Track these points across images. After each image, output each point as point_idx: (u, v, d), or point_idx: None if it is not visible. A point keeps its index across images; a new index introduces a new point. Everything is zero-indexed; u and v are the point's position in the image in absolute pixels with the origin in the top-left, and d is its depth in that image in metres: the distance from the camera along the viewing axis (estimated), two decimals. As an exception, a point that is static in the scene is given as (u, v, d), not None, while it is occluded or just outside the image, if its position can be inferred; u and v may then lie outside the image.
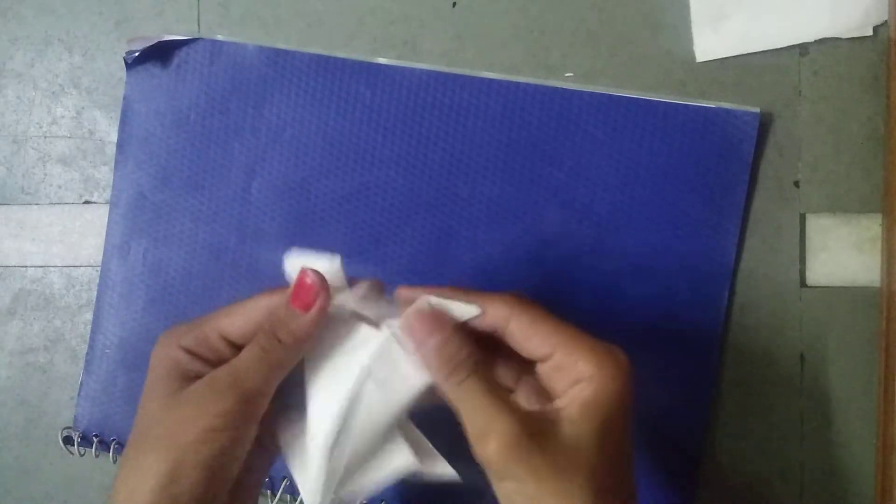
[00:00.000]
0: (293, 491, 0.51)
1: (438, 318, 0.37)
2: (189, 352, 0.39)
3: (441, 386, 0.37)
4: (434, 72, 0.51)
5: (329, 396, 0.37)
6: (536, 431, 0.34)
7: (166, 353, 0.39)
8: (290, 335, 0.37)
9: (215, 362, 0.39)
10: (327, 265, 0.37)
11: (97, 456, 0.52)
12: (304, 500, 0.38)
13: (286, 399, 0.40)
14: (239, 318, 0.39)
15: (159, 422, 0.37)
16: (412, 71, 0.51)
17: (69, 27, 0.55)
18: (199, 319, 0.40)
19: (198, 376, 0.38)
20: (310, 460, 0.38)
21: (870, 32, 0.49)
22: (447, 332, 0.37)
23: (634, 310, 0.49)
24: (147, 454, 0.37)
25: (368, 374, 0.37)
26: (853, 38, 0.49)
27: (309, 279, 0.37)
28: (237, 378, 0.37)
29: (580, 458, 0.34)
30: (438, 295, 0.37)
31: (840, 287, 0.50)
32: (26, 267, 0.55)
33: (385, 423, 0.38)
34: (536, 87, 0.50)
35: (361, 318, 0.38)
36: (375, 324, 0.38)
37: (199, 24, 0.54)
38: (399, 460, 0.38)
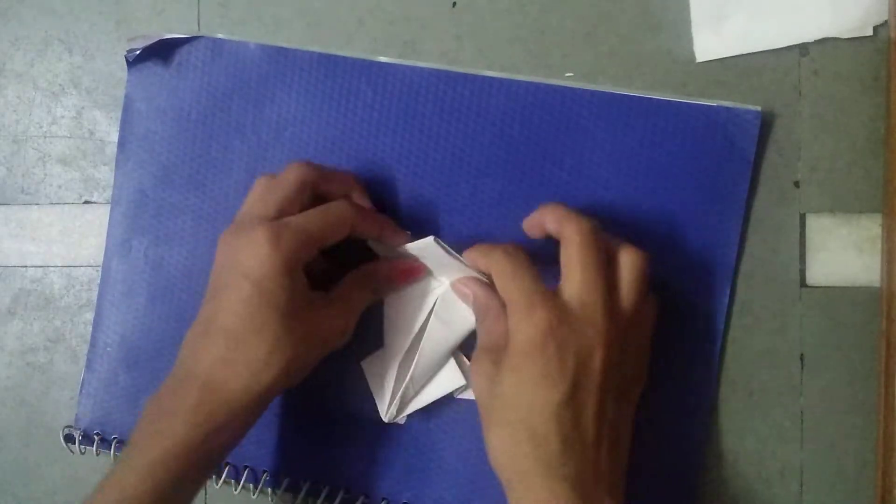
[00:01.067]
0: (294, 490, 0.52)
1: (471, 282, 0.47)
2: (302, 264, 0.44)
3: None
4: (435, 70, 0.51)
5: (403, 328, 0.50)
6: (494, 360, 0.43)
7: (292, 264, 0.43)
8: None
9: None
10: (422, 244, 0.47)
11: (98, 454, 0.52)
12: (378, 405, 0.50)
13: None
14: (331, 239, 0.45)
15: (295, 313, 0.43)
16: (413, 69, 0.51)
17: (69, 27, 0.55)
18: (293, 228, 0.43)
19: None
20: (385, 374, 0.50)
21: (870, 32, 0.49)
22: (476, 288, 0.47)
23: (635, 309, 0.49)
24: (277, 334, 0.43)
25: (434, 314, 0.49)
26: (853, 38, 0.49)
27: (419, 272, 0.49)
28: (357, 309, 0.47)
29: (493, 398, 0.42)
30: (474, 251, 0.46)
31: (840, 287, 0.50)
32: (26, 267, 0.55)
33: (444, 350, 0.49)
34: (538, 86, 0.50)
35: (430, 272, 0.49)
36: (440, 277, 0.50)
37: (199, 25, 0.54)
38: (451, 379, 0.49)
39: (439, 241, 0.46)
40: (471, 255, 0.46)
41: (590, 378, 0.41)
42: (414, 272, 0.49)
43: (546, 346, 0.40)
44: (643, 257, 0.44)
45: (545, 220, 0.45)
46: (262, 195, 0.46)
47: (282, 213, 0.44)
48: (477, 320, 0.47)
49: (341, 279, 0.48)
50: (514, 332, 0.41)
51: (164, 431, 0.42)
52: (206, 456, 0.43)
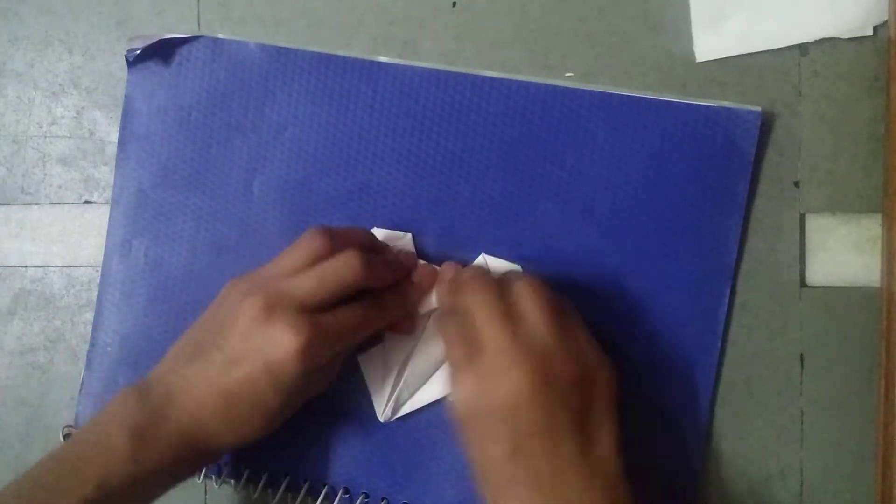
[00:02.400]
0: (293, 489, 0.52)
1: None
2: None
3: None
4: (436, 70, 0.51)
5: (401, 337, 0.50)
6: None
7: (314, 370, 0.44)
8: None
9: None
10: (402, 241, 0.51)
11: (97, 455, 0.52)
12: (374, 404, 0.51)
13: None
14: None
15: (293, 402, 0.45)
16: (413, 69, 0.51)
17: (69, 27, 0.55)
18: (329, 341, 0.44)
19: None
20: (384, 375, 0.50)
21: (870, 32, 0.49)
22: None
23: (635, 308, 0.49)
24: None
25: (431, 319, 0.50)
26: (853, 38, 0.49)
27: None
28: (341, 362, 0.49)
29: None
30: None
31: (840, 287, 0.50)
32: (26, 267, 0.55)
33: (437, 357, 0.49)
34: (538, 86, 0.50)
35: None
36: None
37: (199, 25, 0.54)
38: (443, 385, 0.50)
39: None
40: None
41: (529, 421, 0.40)
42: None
43: (475, 417, 0.41)
44: (535, 283, 0.44)
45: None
46: (318, 280, 0.44)
47: (324, 304, 0.44)
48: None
49: None
50: (453, 396, 0.43)
51: (138, 460, 0.42)
52: (158, 486, 0.45)
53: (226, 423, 0.44)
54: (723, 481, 0.50)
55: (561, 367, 0.41)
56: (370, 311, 0.46)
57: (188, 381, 0.44)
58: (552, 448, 0.40)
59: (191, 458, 0.44)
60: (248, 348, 0.43)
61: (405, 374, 0.49)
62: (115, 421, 0.43)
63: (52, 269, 0.55)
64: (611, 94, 0.50)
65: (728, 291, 0.49)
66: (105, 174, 0.54)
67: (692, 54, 0.50)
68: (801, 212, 0.50)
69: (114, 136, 0.54)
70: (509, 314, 0.42)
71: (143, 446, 0.42)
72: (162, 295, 0.53)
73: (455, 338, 0.43)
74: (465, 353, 0.42)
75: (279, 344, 0.42)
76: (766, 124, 0.49)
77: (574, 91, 0.50)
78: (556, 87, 0.50)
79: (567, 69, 0.51)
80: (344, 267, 0.44)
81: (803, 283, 0.50)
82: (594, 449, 0.41)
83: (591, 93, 0.50)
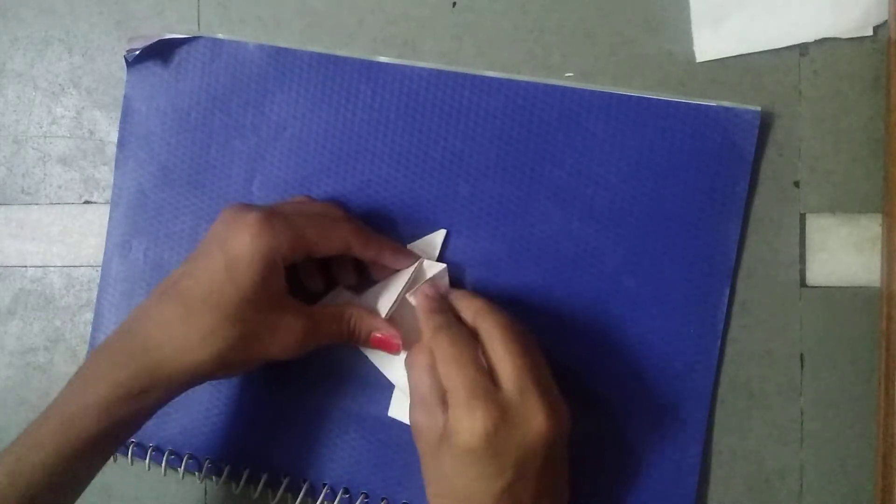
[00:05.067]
0: (293, 489, 0.52)
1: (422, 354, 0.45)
2: (286, 262, 0.44)
3: None
4: (435, 70, 0.51)
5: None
6: None
7: (273, 256, 0.43)
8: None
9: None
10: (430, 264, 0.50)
11: (97, 456, 0.52)
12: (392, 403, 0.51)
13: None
14: (324, 250, 0.45)
15: (254, 305, 0.43)
16: (413, 69, 0.51)
17: (69, 27, 0.55)
18: (288, 222, 0.43)
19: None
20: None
21: (870, 32, 0.49)
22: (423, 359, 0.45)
23: (635, 309, 0.49)
24: (227, 326, 0.42)
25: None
26: (853, 38, 0.49)
27: (392, 348, 0.47)
28: (317, 338, 0.46)
29: None
30: None
31: (840, 287, 0.50)
32: (26, 267, 0.55)
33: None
34: (538, 86, 0.50)
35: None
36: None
37: (199, 25, 0.54)
38: None
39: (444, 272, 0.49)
40: (422, 326, 0.45)
41: (530, 468, 0.40)
42: (387, 345, 0.47)
43: (486, 449, 0.39)
44: (504, 322, 0.43)
45: (460, 309, 0.46)
46: (302, 202, 0.49)
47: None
48: (410, 376, 0.45)
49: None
50: (454, 424, 0.40)
51: (88, 388, 0.42)
52: (119, 420, 0.42)
53: (184, 338, 0.42)
54: (723, 481, 0.50)
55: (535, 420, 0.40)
56: (341, 223, 0.46)
57: (147, 306, 0.44)
58: (539, 490, 0.41)
59: (145, 389, 0.42)
60: (208, 243, 0.44)
61: None
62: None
63: (52, 269, 0.55)
64: (611, 94, 0.50)
65: (728, 291, 0.49)
66: (105, 174, 0.54)
67: (692, 54, 0.50)
68: (801, 212, 0.50)
69: (114, 136, 0.54)
70: (533, 359, 0.42)
71: (88, 380, 0.42)
72: (162, 295, 0.53)
73: (468, 357, 0.42)
74: (477, 379, 0.40)
75: (239, 227, 0.42)
76: (765, 124, 0.49)
77: (574, 91, 0.50)
78: (555, 87, 0.50)
79: (567, 69, 0.51)
80: (343, 224, 0.46)
81: (803, 283, 0.50)
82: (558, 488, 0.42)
83: (591, 93, 0.50)
